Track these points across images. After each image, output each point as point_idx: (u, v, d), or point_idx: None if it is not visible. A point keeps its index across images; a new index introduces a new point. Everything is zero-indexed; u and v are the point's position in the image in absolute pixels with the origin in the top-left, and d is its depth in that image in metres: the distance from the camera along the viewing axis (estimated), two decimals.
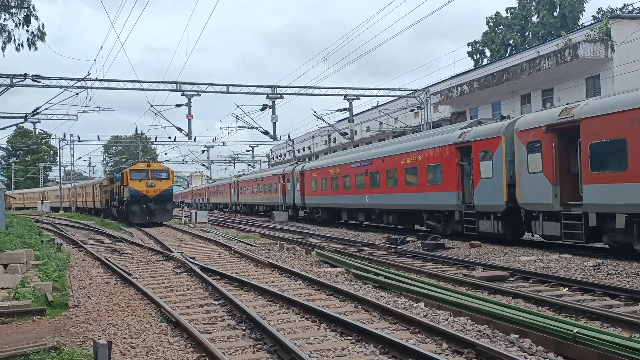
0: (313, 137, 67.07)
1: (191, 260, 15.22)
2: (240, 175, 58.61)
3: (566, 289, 10.31)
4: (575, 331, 6.27)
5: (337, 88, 33.99)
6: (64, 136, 62.48)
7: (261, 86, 32.77)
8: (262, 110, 34.22)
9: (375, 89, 35.11)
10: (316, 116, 39.64)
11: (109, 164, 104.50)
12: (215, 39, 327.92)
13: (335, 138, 58.20)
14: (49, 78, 29.33)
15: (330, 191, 30.17)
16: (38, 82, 29.01)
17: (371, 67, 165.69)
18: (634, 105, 12.77)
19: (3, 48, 26.97)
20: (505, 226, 17.25)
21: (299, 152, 71.37)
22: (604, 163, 13.55)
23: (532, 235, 17.71)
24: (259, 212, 47.97)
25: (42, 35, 27.28)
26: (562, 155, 15.05)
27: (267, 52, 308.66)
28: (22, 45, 26.72)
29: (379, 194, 24.71)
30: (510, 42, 59.82)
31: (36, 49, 27.15)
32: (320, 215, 32.44)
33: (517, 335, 6.93)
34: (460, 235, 19.37)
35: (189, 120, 31.88)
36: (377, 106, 47.92)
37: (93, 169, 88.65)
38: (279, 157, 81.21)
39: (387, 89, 35.32)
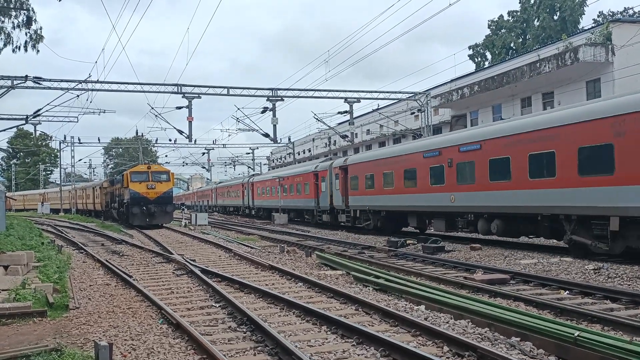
0: (313, 139, 67.08)
1: (191, 262, 15.22)
2: (219, 183, 72.83)
3: (567, 292, 10.30)
4: (576, 334, 6.26)
5: (337, 91, 33.99)
6: (65, 138, 62.44)
7: (262, 89, 32.76)
8: (262, 112, 34.25)
9: (376, 91, 35.16)
10: (317, 119, 39.68)
11: (110, 166, 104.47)
12: (211, 42, 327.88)
13: (335, 141, 58.22)
14: (50, 80, 29.32)
15: (266, 196, 44.77)
16: (39, 83, 28.99)
17: (367, 70, 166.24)
18: (366, 159, 26.77)
19: (1, 49, 27.00)
20: (331, 218, 30.91)
21: (299, 154, 71.37)
22: (355, 186, 27.10)
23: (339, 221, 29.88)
24: (230, 212, 61.33)
25: (39, 38, 27.29)
26: (346, 181, 28.32)
27: (263, 55, 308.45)
28: (19, 48, 26.74)
29: (286, 199, 38.66)
30: (511, 45, 59.88)
31: (38, 51, 27.18)
32: (262, 213, 46.79)
33: (518, 339, 6.93)
34: (319, 224, 32.48)
35: (190, 122, 31.88)
36: (378, 109, 47.91)
37: (93, 171, 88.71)
38: (279, 160, 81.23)
39: (387, 92, 35.35)
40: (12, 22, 26.62)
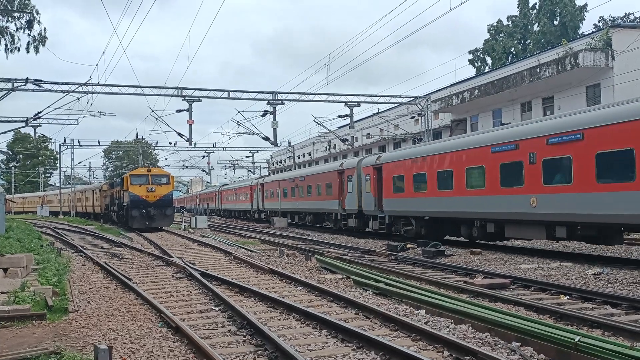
0: (313, 143, 67.11)
1: (191, 265, 15.20)
2: (201, 191, 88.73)
3: (567, 297, 10.29)
4: (576, 340, 6.25)
5: (337, 95, 34.05)
6: (65, 140, 62.50)
7: (262, 92, 32.77)
8: (262, 116, 34.31)
9: (377, 95, 35.22)
10: (317, 122, 39.75)
11: (109, 169, 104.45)
12: (204, 45, 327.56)
13: (335, 144, 58.26)
14: (51, 82, 29.32)
15: (230, 202, 59.33)
16: (40, 86, 28.99)
17: (362, 74, 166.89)
18: (272, 180, 44.26)
19: (6, 51, 27.09)
20: (258, 216, 46.13)
21: (299, 158, 71.37)
22: (267, 196, 43.65)
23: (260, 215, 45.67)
24: (207, 213, 73.28)
25: (42, 40, 27.37)
26: (263, 192, 44.37)
27: (255, 58, 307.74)
28: (29, 48, 26.86)
29: (238, 203, 54.56)
30: (511, 50, 59.96)
31: (37, 52, 27.28)
32: (225, 213, 61.77)
33: (518, 344, 6.91)
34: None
35: (190, 125, 31.86)
36: (378, 113, 47.95)
37: (93, 174, 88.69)
38: (279, 163, 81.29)
39: (388, 96, 35.38)
40: (15, 25, 26.72)
